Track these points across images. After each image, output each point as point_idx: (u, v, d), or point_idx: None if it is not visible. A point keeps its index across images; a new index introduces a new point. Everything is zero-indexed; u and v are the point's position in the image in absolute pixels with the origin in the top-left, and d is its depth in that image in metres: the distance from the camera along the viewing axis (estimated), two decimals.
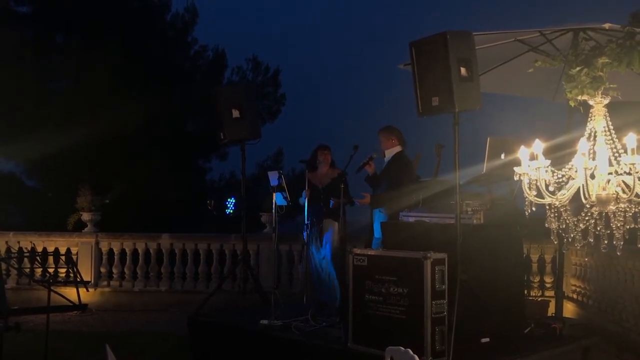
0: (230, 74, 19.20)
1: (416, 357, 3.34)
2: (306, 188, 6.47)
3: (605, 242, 3.48)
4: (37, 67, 13.95)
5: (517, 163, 3.47)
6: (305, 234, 6.59)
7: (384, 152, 6.34)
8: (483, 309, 4.79)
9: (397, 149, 6.32)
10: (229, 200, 15.62)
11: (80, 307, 4.46)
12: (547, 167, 3.36)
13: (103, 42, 14.16)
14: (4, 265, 7.78)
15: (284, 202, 6.38)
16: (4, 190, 15.13)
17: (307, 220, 6.50)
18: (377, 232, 6.14)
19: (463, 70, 4.71)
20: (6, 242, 9.85)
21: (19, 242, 9.94)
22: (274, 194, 6.37)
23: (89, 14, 15.95)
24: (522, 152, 3.43)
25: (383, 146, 6.32)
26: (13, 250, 9.77)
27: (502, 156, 5.02)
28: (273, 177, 6.43)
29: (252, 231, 9.62)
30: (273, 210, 6.45)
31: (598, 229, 3.41)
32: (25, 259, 9.59)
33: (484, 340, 4.86)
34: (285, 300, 6.05)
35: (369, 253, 4.85)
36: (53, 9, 16.00)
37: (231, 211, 15.39)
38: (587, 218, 3.40)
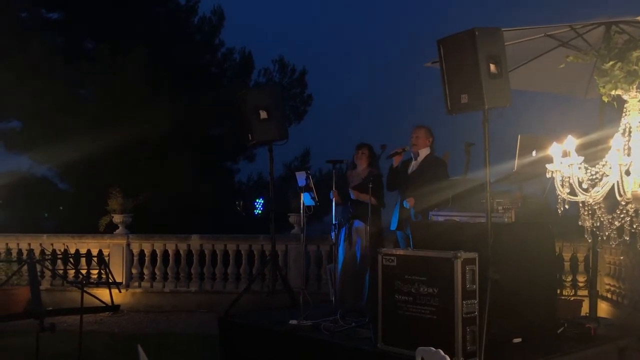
0: (257, 75, 19.30)
1: (447, 357, 3.31)
2: (333, 188, 6.45)
3: None
4: (67, 74, 14.19)
5: (549, 160, 3.41)
6: (333, 234, 6.58)
7: (417, 151, 6.29)
8: (515, 309, 4.72)
9: (428, 150, 6.29)
10: (257, 201, 15.68)
11: (113, 308, 4.50)
12: (581, 164, 3.29)
13: (131, 48, 14.35)
14: (38, 267, 7.94)
15: (311, 203, 6.37)
16: (38, 193, 15.45)
17: (335, 220, 6.49)
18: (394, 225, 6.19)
19: (492, 67, 4.64)
20: (40, 244, 10.05)
21: (52, 244, 10.14)
22: (302, 195, 6.37)
23: (117, 20, 16.20)
24: (555, 149, 3.37)
25: (420, 142, 6.28)
26: (47, 252, 9.97)
27: (534, 153, 4.94)
28: (301, 178, 6.42)
29: (280, 232, 9.64)
30: (301, 211, 6.45)
31: (634, 226, 3.33)
32: (59, 261, 9.78)
33: (516, 340, 4.79)
34: (314, 301, 6.05)
35: (398, 253, 4.81)
36: (82, 15, 16.29)
37: (259, 212, 15.45)
38: (622, 215, 3.33)
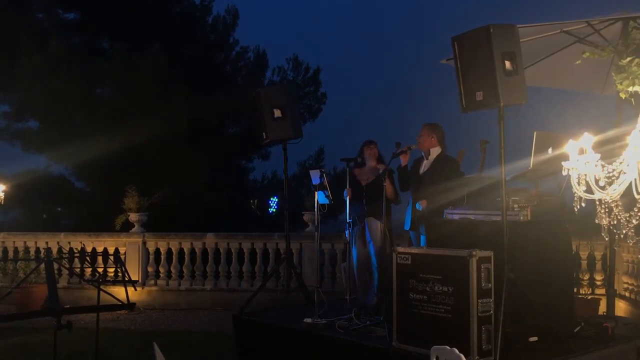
0: (272, 74, 19.35)
1: (462, 356, 3.30)
2: (347, 186, 6.43)
3: None
4: (84, 73, 14.33)
5: (565, 158, 3.37)
6: (347, 232, 6.57)
7: (426, 149, 6.22)
8: (531, 308, 4.68)
9: (438, 149, 6.18)
10: (271, 199, 15.72)
11: (129, 306, 4.54)
12: (597, 161, 3.25)
13: (146, 47, 14.45)
14: (55, 265, 8.04)
15: (326, 201, 6.36)
16: (55, 192, 15.62)
17: (349, 218, 6.47)
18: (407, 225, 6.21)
19: (507, 64, 4.60)
20: (57, 243, 10.17)
21: (69, 243, 10.25)
22: (316, 193, 6.36)
23: (133, 20, 16.31)
24: (571, 146, 3.33)
25: (423, 140, 6.17)
26: (64, 251, 10.07)
27: (550, 151, 4.89)
28: (315, 176, 6.41)
29: (294, 230, 9.65)
30: (315, 209, 6.44)
31: None
32: (76, 259, 9.86)
33: (532, 339, 4.74)
34: (329, 299, 6.03)
35: (413, 251, 4.79)
36: (98, 15, 16.43)
37: (274, 210, 15.48)
38: (639, 214, 3.28)
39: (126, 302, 4.41)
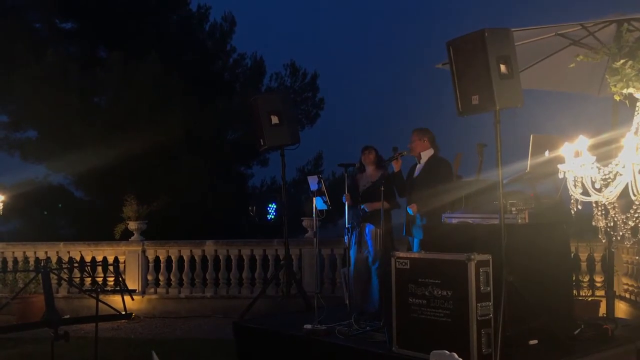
0: (269, 80, 19.35)
1: None
2: (346, 192, 6.44)
3: None
4: (81, 82, 14.34)
5: (562, 160, 3.38)
6: (346, 237, 6.57)
7: (419, 154, 6.23)
8: (530, 311, 4.68)
9: (431, 151, 6.19)
10: (270, 205, 15.71)
11: (126, 316, 4.54)
12: (593, 163, 3.26)
13: (144, 55, 14.47)
14: (55, 275, 8.03)
15: (324, 206, 6.36)
16: (54, 202, 15.62)
17: (348, 223, 6.48)
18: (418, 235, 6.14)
19: (503, 68, 4.62)
20: (57, 253, 10.16)
21: (69, 252, 10.23)
22: (314, 199, 6.37)
23: (130, 28, 16.34)
24: (566, 149, 3.34)
25: (415, 145, 6.19)
26: (64, 261, 10.06)
27: (547, 153, 4.90)
28: (313, 182, 6.42)
29: (294, 236, 9.65)
30: (314, 215, 6.44)
31: None
32: (75, 269, 9.86)
33: (532, 342, 4.75)
34: (329, 305, 6.03)
35: (412, 256, 4.80)
36: (95, 24, 16.46)
37: (272, 217, 15.47)
38: (636, 215, 3.28)
39: (123, 312, 4.41)
